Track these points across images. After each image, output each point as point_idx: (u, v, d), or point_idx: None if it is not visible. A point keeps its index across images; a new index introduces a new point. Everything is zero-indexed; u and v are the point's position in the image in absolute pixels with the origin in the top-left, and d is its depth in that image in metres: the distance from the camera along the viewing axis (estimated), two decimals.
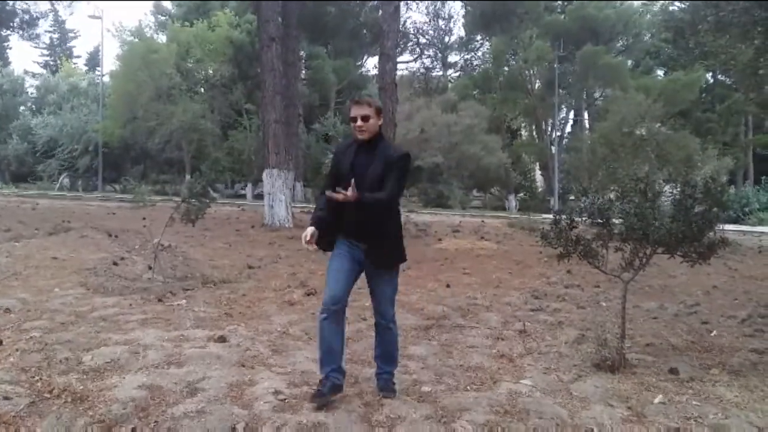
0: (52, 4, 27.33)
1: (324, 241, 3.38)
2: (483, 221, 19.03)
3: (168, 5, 38.73)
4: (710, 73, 33.83)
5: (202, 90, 32.34)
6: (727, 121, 33.88)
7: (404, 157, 3.35)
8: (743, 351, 4.54)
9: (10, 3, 23.55)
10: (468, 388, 3.65)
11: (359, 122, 3.26)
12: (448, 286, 7.13)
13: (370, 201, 3.22)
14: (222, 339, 4.37)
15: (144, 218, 12.62)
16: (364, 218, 3.27)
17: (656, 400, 3.48)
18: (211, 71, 31.70)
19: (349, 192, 3.07)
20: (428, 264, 9.14)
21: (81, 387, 3.34)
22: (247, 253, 9.43)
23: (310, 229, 3.27)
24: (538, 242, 4.70)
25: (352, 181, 3.11)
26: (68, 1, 23.06)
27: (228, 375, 3.65)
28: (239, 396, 3.36)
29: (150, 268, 7.13)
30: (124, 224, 12.68)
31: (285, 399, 3.32)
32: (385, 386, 3.45)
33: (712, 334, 5.16)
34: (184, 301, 5.75)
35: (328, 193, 3.16)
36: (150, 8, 53.07)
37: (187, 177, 27.41)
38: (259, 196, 27.26)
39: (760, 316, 5.89)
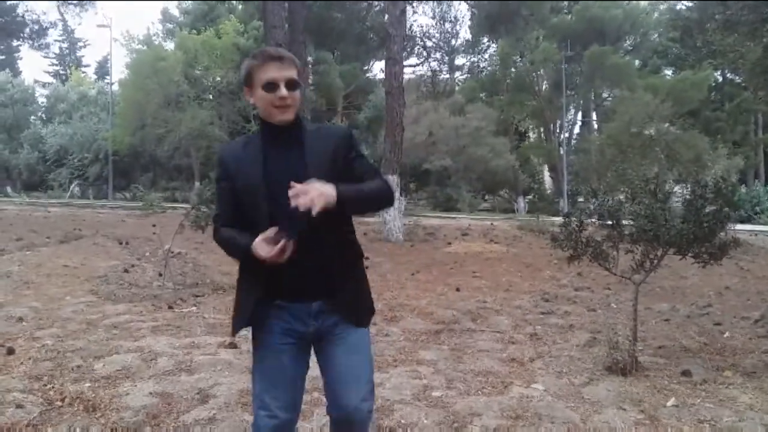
0: (61, 12, 27.54)
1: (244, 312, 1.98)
2: (492, 224, 18.97)
3: (175, 12, 39.03)
4: (719, 72, 33.61)
5: (210, 97, 32.51)
6: (737, 119, 33.64)
7: (351, 131, 2.10)
8: (757, 353, 4.50)
9: (21, 14, 23.81)
10: (479, 392, 3.64)
11: (283, 91, 1.87)
12: (457, 289, 7.12)
13: (366, 193, 1.92)
14: (233, 345, 4.38)
15: (154, 225, 12.68)
16: (323, 248, 1.90)
17: (669, 403, 3.45)
18: (218, 78, 31.86)
19: (301, 203, 1.69)
20: (438, 268, 9.13)
21: (93, 395, 3.35)
22: None
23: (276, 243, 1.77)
24: (547, 245, 4.68)
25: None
26: (80, 3, 22.93)
27: (239, 381, 3.65)
28: (250, 402, 3.36)
29: (160, 275, 7.17)
30: (135, 232, 12.75)
31: None
32: None
33: (725, 336, 5.11)
34: (195, 307, 5.77)
35: (261, 238, 1.78)
36: (158, 16, 53.41)
37: (197, 184, 27.55)
38: None
39: None
